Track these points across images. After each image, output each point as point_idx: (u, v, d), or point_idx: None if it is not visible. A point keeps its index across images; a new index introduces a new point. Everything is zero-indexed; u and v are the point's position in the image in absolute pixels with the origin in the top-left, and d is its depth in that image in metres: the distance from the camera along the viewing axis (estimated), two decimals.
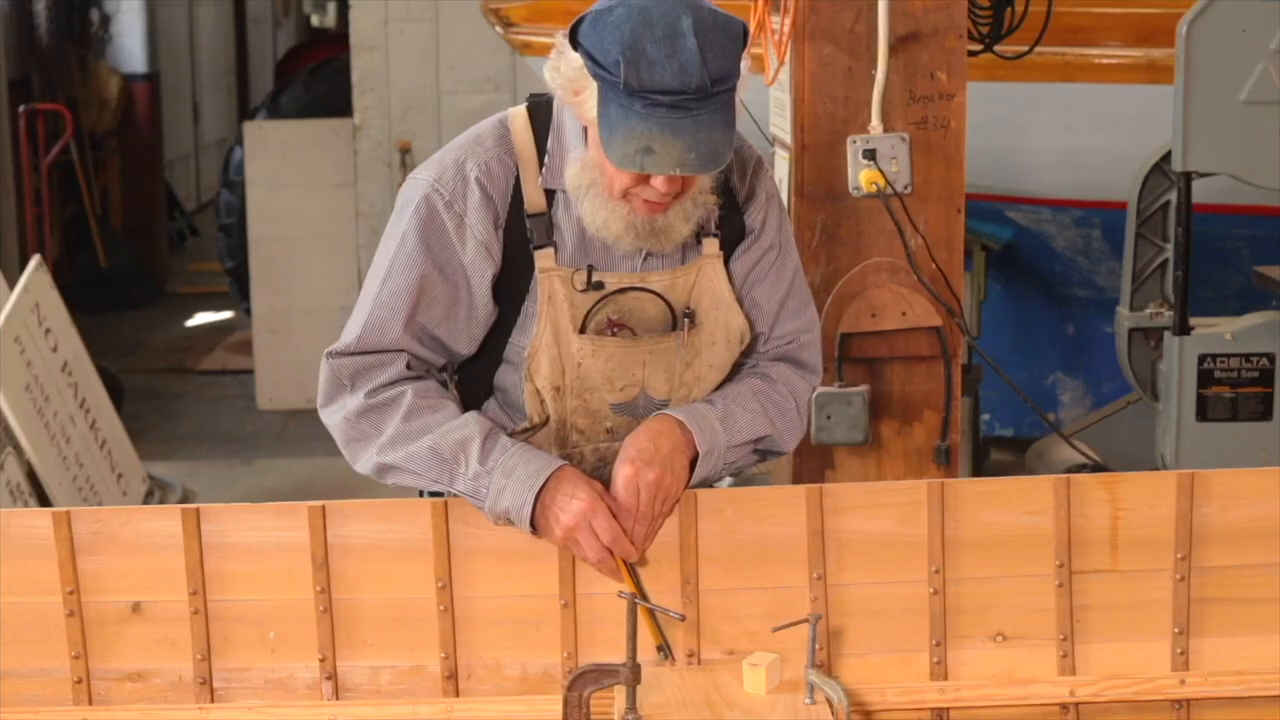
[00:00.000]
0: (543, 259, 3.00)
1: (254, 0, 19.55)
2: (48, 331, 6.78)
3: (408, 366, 3.00)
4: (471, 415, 2.98)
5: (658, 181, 2.85)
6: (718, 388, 3.14)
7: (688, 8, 2.77)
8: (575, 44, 2.84)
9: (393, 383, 2.99)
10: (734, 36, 2.79)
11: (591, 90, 2.83)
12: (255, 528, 2.99)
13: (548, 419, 3.06)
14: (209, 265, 12.79)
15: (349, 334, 3.01)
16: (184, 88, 15.91)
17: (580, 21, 2.83)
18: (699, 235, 3.06)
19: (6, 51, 11.14)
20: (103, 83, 12.80)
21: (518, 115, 3.07)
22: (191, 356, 10.89)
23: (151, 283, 12.75)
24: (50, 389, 6.61)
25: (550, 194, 3.01)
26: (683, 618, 2.95)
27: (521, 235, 3.00)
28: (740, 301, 3.12)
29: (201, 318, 12.14)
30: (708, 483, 3.07)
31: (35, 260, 7.01)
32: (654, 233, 2.95)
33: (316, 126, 9.58)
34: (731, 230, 3.12)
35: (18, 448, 6.19)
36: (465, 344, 3.06)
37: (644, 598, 2.95)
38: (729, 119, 2.81)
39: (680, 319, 3.05)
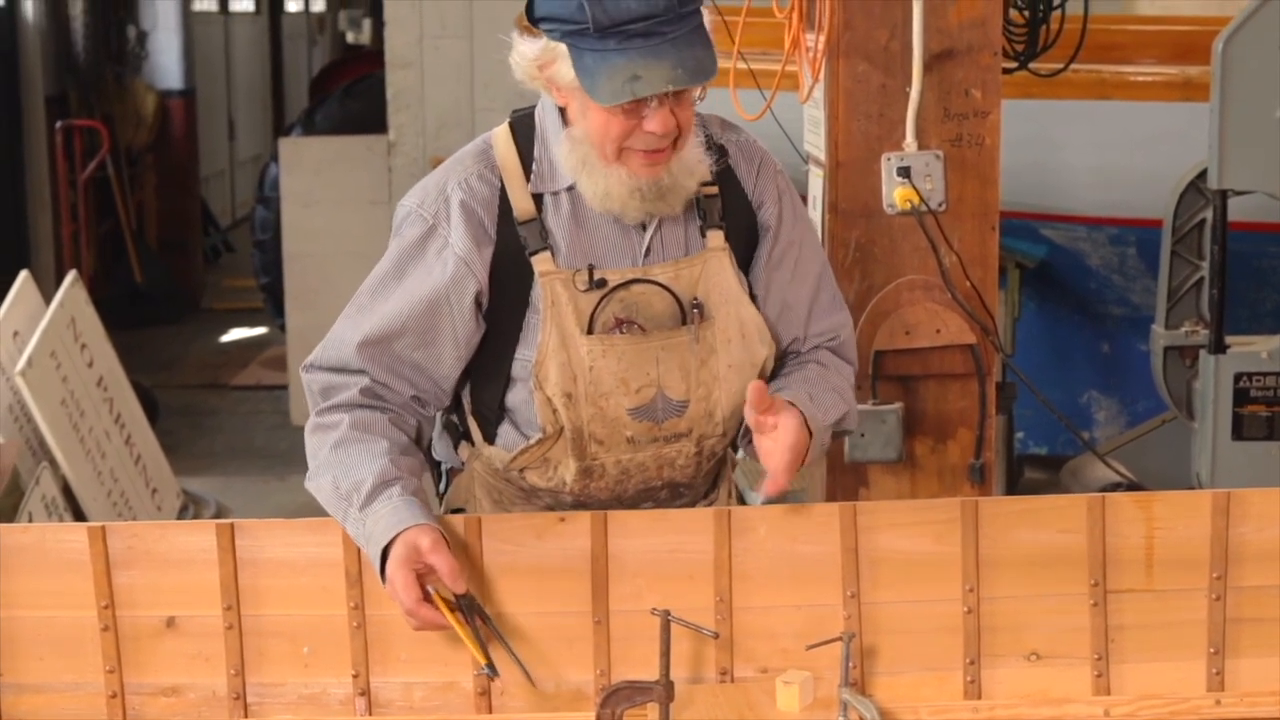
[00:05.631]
0: (541, 263, 2.98)
1: (289, 17, 19.65)
2: (83, 347, 6.81)
3: (367, 391, 2.99)
4: (382, 459, 2.93)
5: (652, 124, 2.84)
6: (774, 377, 3.12)
7: None
8: (534, 21, 2.89)
9: (341, 406, 2.99)
10: None
11: (560, 59, 2.86)
12: (289, 543, 3.00)
13: (562, 429, 3.02)
14: (244, 281, 12.83)
15: (318, 348, 3.05)
16: (220, 104, 15.98)
17: (530, 1, 2.89)
18: (703, 228, 3.04)
19: (44, 68, 11.21)
20: (139, 99, 12.86)
21: (500, 131, 3.07)
22: (226, 372, 10.93)
23: (186, 298, 12.79)
24: (86, 404, 6.63)
25: (539, 200, 3.00)
26: (716, 635, 2.95)
27: (515, 245, 2.98)
28: (763, 301, 3.10)
29: (236, 333, 12.18)
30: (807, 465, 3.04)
31: (71, 276, 7.05)
32: (660, 193, 2.93)
33: (351, 143, 9.61)
34: (739, 225, 3.08)
35: (53, 462, 6.22)
36: (450, 364, 3.02)
37: (484, 648, 2.88)
38: (706, 39, 2.85)
39: (689, 311, 3.02)
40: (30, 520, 5.74)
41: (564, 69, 2.86)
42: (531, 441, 3.06)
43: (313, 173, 9.50)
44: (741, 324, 3.06)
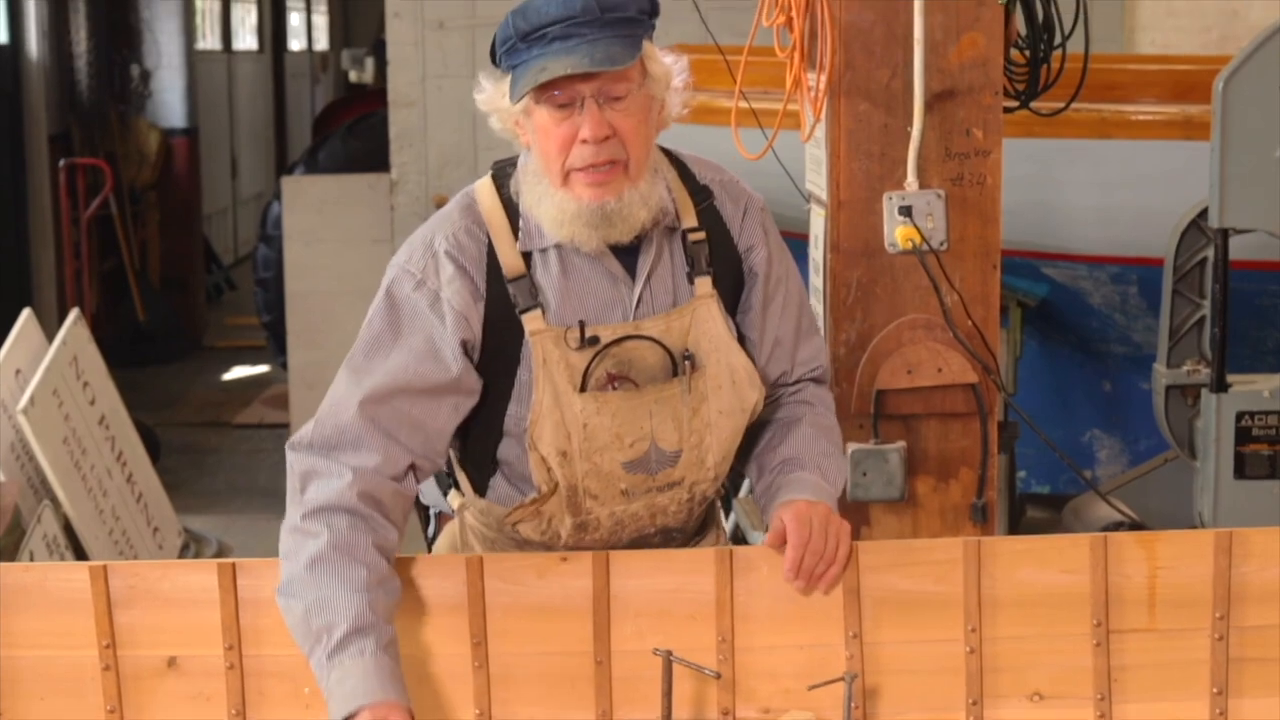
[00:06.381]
0: (531, 321, 2.95)
1: (292, 56, 19.71)
2: (85, 385, 6.81)
3: (354, 486, 2.86)
4: (358, 598, 2.80)
5: (584, 130, 2.85)
6: (752, 436, 3.13)
7: None
8: (493, 62, 2.96)
9: (324, 511, 2.85)
10: None
11: (509, 90, 2.91)
12: None
13: (556, 486, 3.00)
14: (246, 319, 12.84)
15: (309, 422, 2.95)
16: (223, 143, 16.03)
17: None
18: (691, 275, 3.03)
19: (47, 106, 11.25)
20: (142, 137, 12.90)
21: (483, 184, 3.05)
22: (228, 410, 10.93)
23: (189, 336, 12.80)
24: (88, 442, 6.63)
25: (528, 256, 2.97)
26: (718, 675, 2.94)
27: (505, 302, 2.95)
28: (758, 342, 3.10)
29: (238, 371, 12.19)
30: None
31: (74, 314, 7.05)
32: (607, 218, 2.90)
33: (354, 181, 9.62)
34: (725, 269, 3.07)
35: (55, 501, 6.21)
36: (447, 418, 2.96)
37: None
38: (630, 42, 2.86)
39: (680, 363, 3.00)
40: (32, 559, 5.73)
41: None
42: (526, 500, 3.04)
43: (315, 211, 9.52)
44: (732, 371, 3.04)
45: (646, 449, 3.02)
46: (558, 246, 2.97)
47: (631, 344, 2.98)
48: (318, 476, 2.89)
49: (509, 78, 2.91)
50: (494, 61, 2.96)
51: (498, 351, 2.97)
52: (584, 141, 2.86)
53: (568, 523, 3.05)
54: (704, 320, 3.03)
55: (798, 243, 4.31)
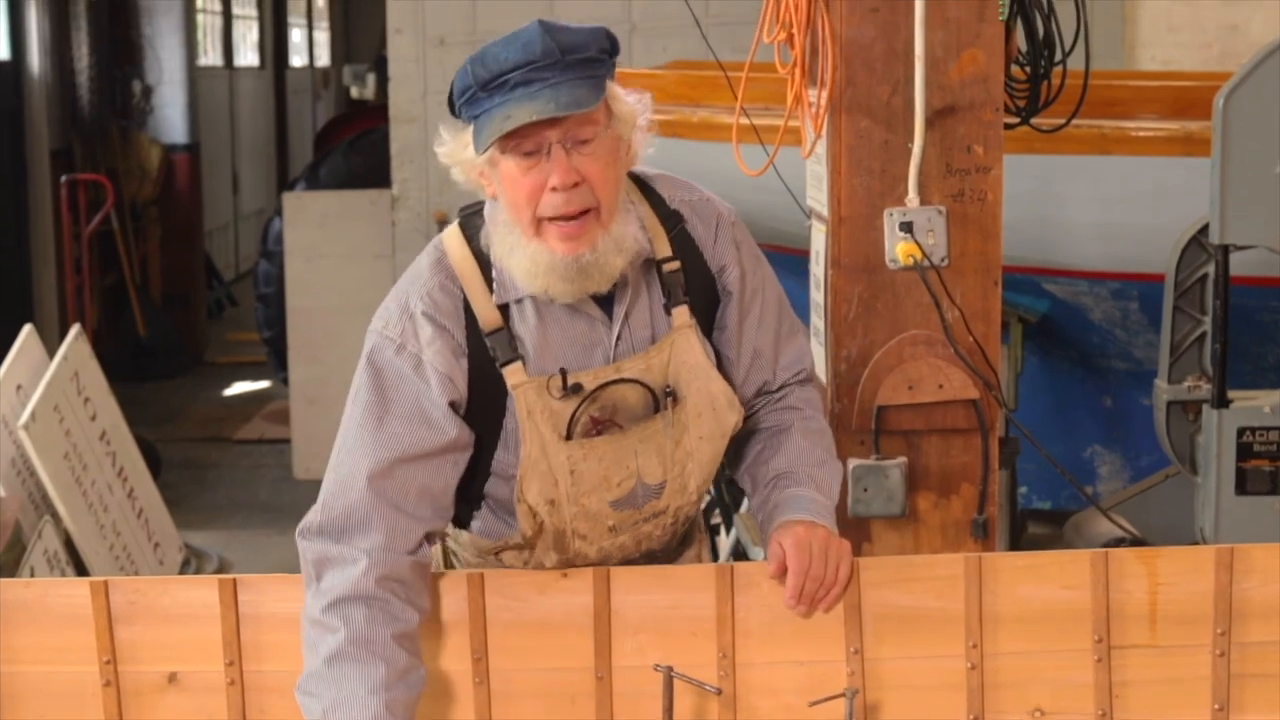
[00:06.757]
0: (512, 374, 2.89)
1: (294, 72, 19.74)
2: (86, 400, 6.81)
3: (369, 572, 2.82)
4: (376, 700, 2.78)
5: (553, 178, 2.78)
6: (743, 446, 3.12)
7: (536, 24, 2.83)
8: (453, 113, 2.89)
9: (341, 602, 2.82)
10: (588, 29, 2.82)
11: (471, 141, 2.85)
12: (292, 598, 2.99)
13: (542, 527, 2.98)
14: (247, 335, 12.85)
15: (316, 506, 2.91)
16: (224, 158, 16.06)
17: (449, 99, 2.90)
18: (667, 306, 2.98)
19: (49, 122, 11.26)
20: (144, 153, 12.91)
21: (451, 235, 2.99)
22: (229, 426, 10.93)
23: (190, 352, 12.81)
24: (89, 458, 6.63)
25: (504, 308, 2.91)
26: (719, 691, 2.94)
27: (486, 355, 2.89)
28: (735, 358, 3.08)
29: (239, 387, 12.19)
30: None
31: (75, 329, 7.05)
32: (583, 270, 2.83)
33: (355, 197, 9.63)
34: (700, 293, 3.03)
35: (55, 516, 6.21)
36: (450, 475, 2.91)
37: None
38: (594, 84, 2.80)
39: (662, 399, 2.97)
40: (32, 574, 5.73)
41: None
42: (511, 542, 3.02)
43: (316, 227, 9.53)
44: (712, 398, 3.02)
45: (633, 486, 3.00)
46: (533, 295, 2.91)
47: (614, 388, 2.94)
48: (332, 564, 2.86)
49: (470, 129, 2.85)
50: (453, 112, 2.89)
51: (484, 402, 2.92)
52: (553, 189, 2.80)
53: (554, 559, 3.04)
54: (683, 351, 2.99)
55: (798, 259, 4.31)
